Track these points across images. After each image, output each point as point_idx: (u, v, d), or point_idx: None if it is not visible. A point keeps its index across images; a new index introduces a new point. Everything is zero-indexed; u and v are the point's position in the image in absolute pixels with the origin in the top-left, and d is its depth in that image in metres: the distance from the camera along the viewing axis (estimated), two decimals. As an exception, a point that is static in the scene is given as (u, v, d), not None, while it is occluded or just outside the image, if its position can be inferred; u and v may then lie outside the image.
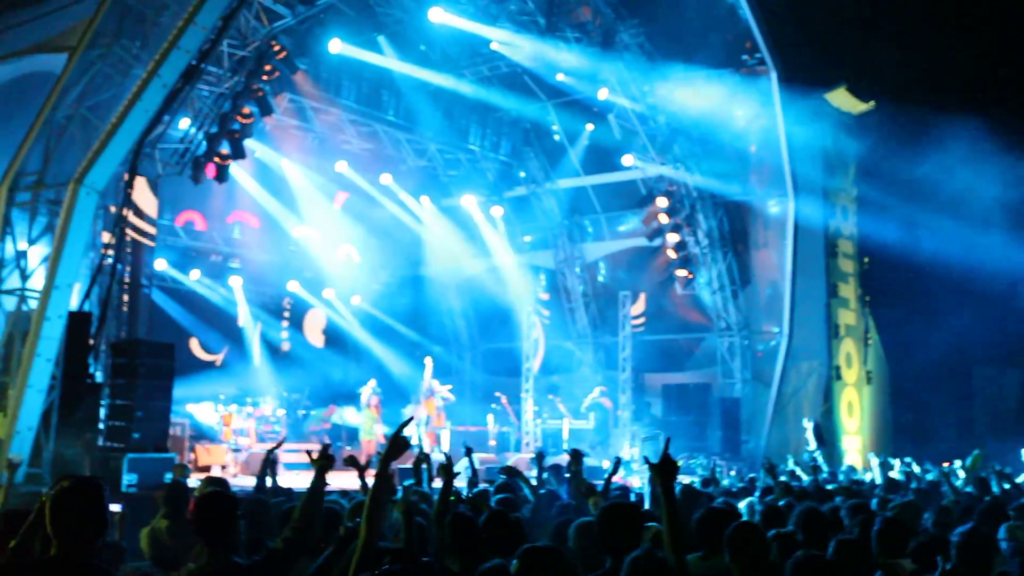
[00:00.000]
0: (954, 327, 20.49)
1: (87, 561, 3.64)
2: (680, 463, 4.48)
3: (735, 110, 20.86)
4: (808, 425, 16.38)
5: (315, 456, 4.89)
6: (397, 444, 4.47)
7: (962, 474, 11.66)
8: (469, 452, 8.54)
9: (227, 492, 5.02)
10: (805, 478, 10.68)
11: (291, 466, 15.63)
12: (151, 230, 15.82)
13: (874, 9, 19.66)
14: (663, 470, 4.23)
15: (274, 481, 8.15)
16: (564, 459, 9.36)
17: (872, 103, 21.37)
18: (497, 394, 21.84)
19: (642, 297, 22.99)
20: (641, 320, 22.86)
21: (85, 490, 3.73)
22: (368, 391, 18.67)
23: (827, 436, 19.47)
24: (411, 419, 5.27)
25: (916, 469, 12.36)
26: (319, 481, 4.74)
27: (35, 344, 10.87)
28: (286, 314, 23.38)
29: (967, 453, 14.70)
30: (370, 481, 4.68)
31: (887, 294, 22.07)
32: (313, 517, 4.55)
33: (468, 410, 21.75)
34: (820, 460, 12.38)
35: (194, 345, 21.09)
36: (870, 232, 22.02)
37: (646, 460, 4.74)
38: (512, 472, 7.80)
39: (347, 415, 20.54)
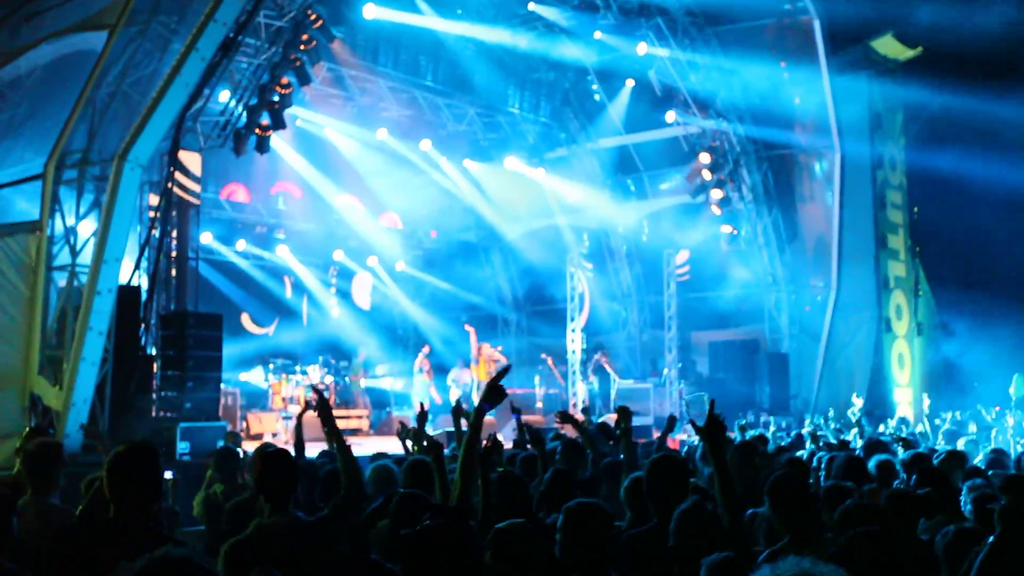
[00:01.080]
0: (1008, 275, 20.12)
1: (144, 523, 3.75)
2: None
3: (778, 61, 20.53)
4: (858, 401, 16.10)
5: (312, 402, 4.92)
6: (493, 391, 4.53)
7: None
8: (517, 412, 8.49)
9: (287, 455, 5.11)
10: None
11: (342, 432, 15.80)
12: (196, 203, 15.98)
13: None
14: (710, 432, 4.19)
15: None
16: (612, 417, 9.39)
17: (919, 49, 20.84)
18: (543, 355, 21.90)
19: (685, 254, 22.83)
20: (686, 269, 22.72)
21: (140, 455, 3.84)
22: (422, 357, 18.95)
23: (880, 401, 19.29)
24: (508, 367, 5.34)
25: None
26: (333, 434, 4.75)
27: (87, 318, 11.08)
28: (333, 281, 23.58)
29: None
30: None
31: (938, 244, 21.67)
32: (356, 474, 4.60)
33: (515, 372, 21.82)
34: (864, 422, 12.24)
35: (245, 318, 21.42)
36: (920, 181, 21.60)
37: (692, 423, 4.72)
38: (566, 417, 7.71)
39: (395, 383, 20.82)
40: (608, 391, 20.54)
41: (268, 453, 4.60)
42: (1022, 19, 18.25)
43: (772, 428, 15.87)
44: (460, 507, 4.40)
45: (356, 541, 4.43)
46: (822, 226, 20.72)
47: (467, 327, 20.06)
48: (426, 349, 19.60)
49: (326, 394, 18.79)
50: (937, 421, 14.12)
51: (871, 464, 6.68)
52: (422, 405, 6.69)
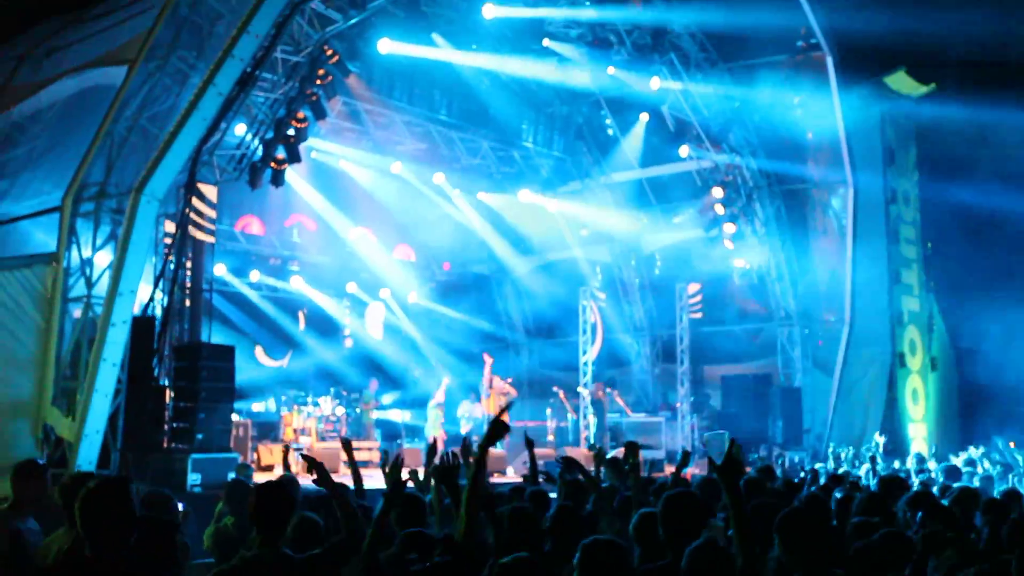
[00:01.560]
0: (1022, 311, 20.01)
1: (118, 559, 3.71)
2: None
3: (791, 97, 20.63)
4: (880, 440, 15.98)
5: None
6: (497, 428, 4.54)
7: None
8: (530, 445, 8.47)
9: (286, 486, 5.10)
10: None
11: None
12: (211, 237, 16.12)
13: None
14: (727, 471, 4.17)
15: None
16: (621, 452, 9.36)
17: (933, 85, 20.92)
18: (555, 388, 21.88)
19: (697, 287, 22.84)
20: (698, 300, 22.69)
21: (110, 489, 3.82)
22: (440, 392, 18.94)
23: (894, 436, 19.16)
24: (511, 404, 5.37)
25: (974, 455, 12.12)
26: (394, 495, 4.71)
27: (101, 349, 11.17)
28: (347, 312, 23.67)
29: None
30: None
31: (951, 279, 21.60)
32: (355, 521, 4.58)
33: (526, 405, 21.83)
34: (879, 455, 12.16)
35: (258, 350, 21.52)
36: (933, 216, 21.59)
37: (710, 460, 4.71)
38: (570, 463, 7.74)
39: (404, 415, 20.81)
40: (601, 424, 20.43)
41: (262, 485, 4.56)
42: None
43: (786, 463, 15.79)
44: (467, 544, 4.39)
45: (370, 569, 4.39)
46: (835, 260, 20.70)
47: (485, 356, 20.01)
48: (446, 382, 19.57)
49: (337, 425, 18.93)
50: (955, 459, 14.01)
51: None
52: (435, 439, 6.73)
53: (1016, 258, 20.04)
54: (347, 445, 6.72)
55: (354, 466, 7.11)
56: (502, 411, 4.58)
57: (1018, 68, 18.50)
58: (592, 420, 20.26)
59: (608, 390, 21.86)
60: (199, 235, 15.48)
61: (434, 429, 18.35)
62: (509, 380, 20.26)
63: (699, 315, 22.55)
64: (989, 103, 18.31)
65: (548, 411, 21.33)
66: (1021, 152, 18.68)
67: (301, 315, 22.55)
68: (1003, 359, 19.75)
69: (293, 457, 16.43)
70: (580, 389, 21.05)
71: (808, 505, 6.14)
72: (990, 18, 17.60)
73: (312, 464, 4.69)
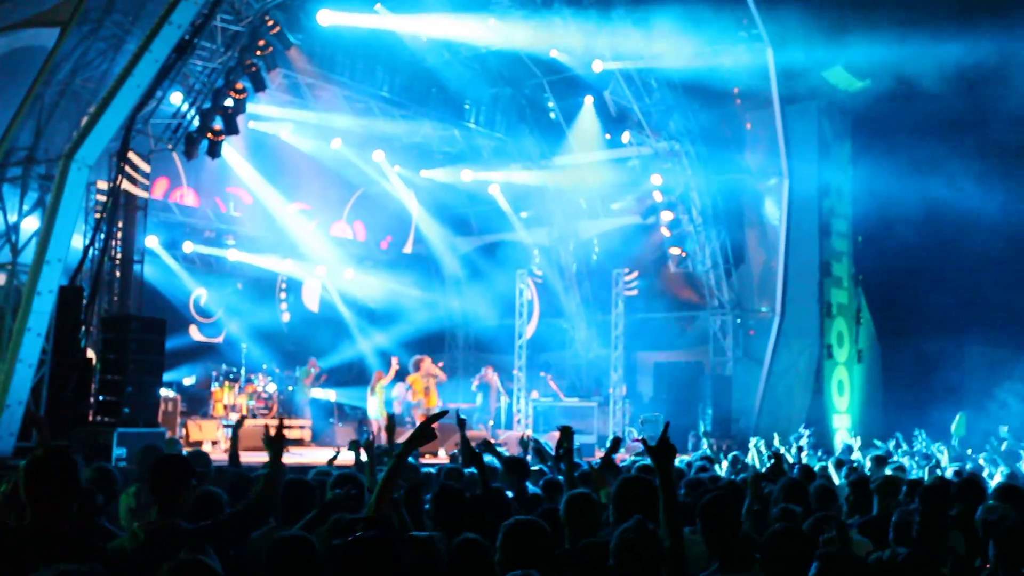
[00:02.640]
0: (946, 304, 20.55)
1: (62, 529, 3.71)
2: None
3: (731, 88, 20.86)
4: (805, 432, 16.19)
5: (272, 433, 4.99)
6: (424, 434, 4.57)
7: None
8: (462, 425, 8.48)
9: (182, 457, 5.15)
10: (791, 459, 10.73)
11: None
12: (143, 206, 15.78)
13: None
14: (660, 454, 4.22)
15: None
16: (553, 436, 9.39)
17: (868, 81, 21.31)
18: (488, 369, 21.90)
19: (634, 274, 23.01)
20: (634, 278, 22.81)
21: (56, 460, 3.82)
22: (393, 372, 18.56)
23: (819, 426, 19.57)
24: (445, 412, 5.42)
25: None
26: (276, 469, 4.83)
27: (26, 319, 10.88)
28: (283, 285, 23.40)
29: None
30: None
31: (880, 272, 22.10)
32: (272, 495, 4.63)
33: (459, 387, 21.83)
34: (806, 446, 12.42)
35: (193, 326, 21.20)
36: (864, 210, 22.04)
37: (643, 441, 4.76)
38: (487, 447, 7.75)
39: (329, 394, 20.62)
40: (487, 406, 20.48)
41: (159, 458, 4.61)
42: (970, 53, 18.75)
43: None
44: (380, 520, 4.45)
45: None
46: (769, 251, 21.05)
47: (393, 360, 19.44)
48: (395, 362, 19.09)
49: (269, 402, 18.73)
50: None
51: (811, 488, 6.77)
52: (391, 416, 6.72)
53: (947, 254, 20.55)
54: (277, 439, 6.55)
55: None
56: (432, 419, 4.60)
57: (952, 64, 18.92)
58: (479, 401, 20.31)
59: (542, 374, 21.98)
60: (130, 203, 15.16)
61: (378, 409, 18.03)
62: (440, 364, 20.15)
63: (635, 292, 22.65)
64: (924, 99, 18.72)
65: (502, 394, 21.35)
66: (955, 147, 19.12)
67: (236, 287, 22.18)
68: (927, 353, 20.28)
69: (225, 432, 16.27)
70: (515, 372, 21.12)
71: (726, 492, 6.25)
72: (925, 16, 17.98)
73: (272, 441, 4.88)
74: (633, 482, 4.82)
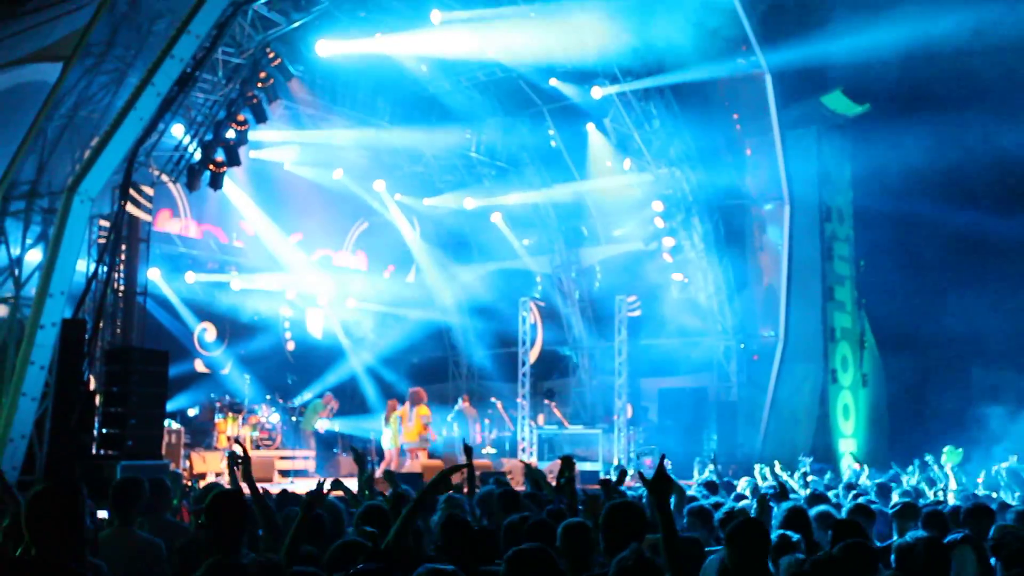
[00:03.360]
0: (951, 328, 20.53)
1: (63, 563, 3.69)
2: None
3: (731, 114, 20.95)
4: (806, 459, 16.05)
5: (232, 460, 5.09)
6: (442, 482, 4.61)
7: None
8: (468, 453, 8.47)
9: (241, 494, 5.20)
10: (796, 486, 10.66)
11: (287, 473, 15.72)
12: (146, 238, 15.81)
13: (868, 17, 19.68)
14: (657, 487, 4.21)
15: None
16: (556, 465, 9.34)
17: (867, 105, 21.41)
18: (493, 399, 21.86)
19: (637, 300, 23.00)
20: (636, 304, 22.75)
21: (60, 494, 3.82)
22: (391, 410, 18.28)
23: (825, 451, 19.48)
24: (469, 464, 5.46)
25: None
26: (252, 492, 4.91)
27: (29, 352, 10.86)
28: (287, 315, 23.40)
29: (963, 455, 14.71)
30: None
31: (883, 297, 22.09)
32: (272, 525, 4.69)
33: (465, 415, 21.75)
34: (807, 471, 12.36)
35: (196, 359, 21.18)
36: (866, 234, 22.07)
37: (640, 476, 4.76)
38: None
39: (334, 425, 20.54)
40: (466, 436, 20.08)
41: (221, 492, 4.66)
42: (970, 76, 18.87)
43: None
44: (394, 551, 4.44)
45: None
46: (772, 276, 21.05)
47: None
48: (392, 404, 18.79)
49: (273, 433, 18.68)
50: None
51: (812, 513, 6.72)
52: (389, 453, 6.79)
53: (948, 276, 20.55)
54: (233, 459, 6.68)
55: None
56: (454, 469, 4.67)
57: (949, 89, 19.02)
58: (456, 431, 20.02)
59: (546, 402, 21.91)
60: (136, 230, 15.20)
61: (391, 440, 17.67)
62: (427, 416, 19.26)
63: (637, 314, 22.59)
64: (922, 123, 18.80)
65: (486, 421, 21.29)
66: (954, 170, 19.16)
67: (239, 318, 22.17)
68: (932, 377, 20.23)
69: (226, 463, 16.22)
70: (518, 400, 21.06)
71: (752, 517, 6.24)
72: (923, 41, 18.07)
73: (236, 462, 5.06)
74: (621, 509, 4.79)
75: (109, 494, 5.99)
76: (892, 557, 5.32)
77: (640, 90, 19.99)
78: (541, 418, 21.23)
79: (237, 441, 5.75)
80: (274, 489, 8.13)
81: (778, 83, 19.37)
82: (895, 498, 8.85)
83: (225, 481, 14.28)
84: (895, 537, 6.49)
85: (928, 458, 14.06)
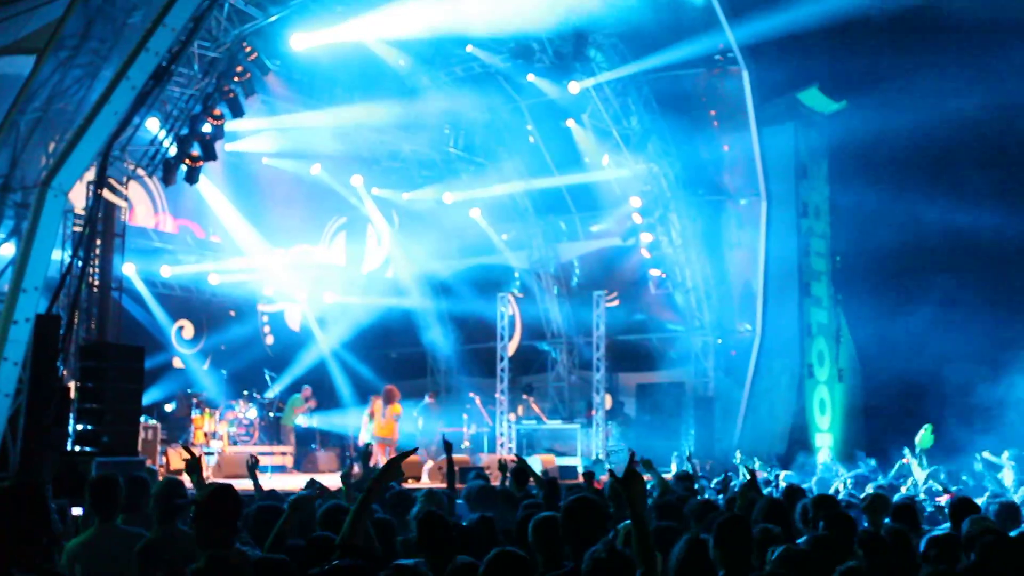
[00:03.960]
0: (925, 324, 20.68)
1: (31, 561, 3.66)
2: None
3: (708, 110, 21.03)
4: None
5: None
6: (391, 471, 4.60)
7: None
8: (448, 448, 8.58)
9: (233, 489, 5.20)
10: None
11: (264, 468, 15.64)
12: (121, 231, 15.69)
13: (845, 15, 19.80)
14: (629, 483, 4.25)
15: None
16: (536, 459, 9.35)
17: (844, 102, 21.56)
18: (471, 395, 21.87)
19: (615, 295, 23.06)
20: (615, 305, 22.76)
21: (24, 492, 3.78)
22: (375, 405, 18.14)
23: (802, 445, 19.64)
24: (415, 449, 5.45)
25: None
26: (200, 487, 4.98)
27: (2, 348, 10.75)
28: (265, 309, 23.31)
29: (935, 451, 14.88)
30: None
31: (859, 292, 22.25)
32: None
33: (443, 411, 21.75)
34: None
35: (172, 354, 21.06)
36: (842, 230, 22.23)
37: (611, 472, 4.80)
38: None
39: (312, 420, 20.42)
40: (432, 432, 19.86)
41: (217, 488, 4.71)
42: (945, 76, 19.02)
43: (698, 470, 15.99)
44: (361, 547, 4.46)
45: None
46: (749, 271, 21.15)
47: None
48: (376, 400, 18.72)
49: (250, 429, 18.60)
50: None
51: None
52: (368, 445, 6.79)
53: (924, 272, 20.71)
54: (252, 468, 6.89)
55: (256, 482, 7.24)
56: (400, 457, 4.64)
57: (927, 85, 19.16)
58: (421, 426, 19.76)
59: (524, 397, 21.94)
60: (110, 225, 15.09)
61: (368, 435, 17.64)
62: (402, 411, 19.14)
63: (615, 303, 22.61)
64: (899, 119, 18.95)
65: (464, 416, 21.29)
66: (931, 167, 19.33)
67: (217, 312, 22.07)
68: (909, 370, 20.36)
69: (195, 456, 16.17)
70: (497, 395, 21.08)
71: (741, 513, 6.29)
72: (898, 39, 18.24)
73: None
74: (579, 504, 4.81)
75: (86, 492, 5.94)
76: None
77: (618, 86, 20.03)
78: (519, 411, 21.27)
79: (184, 446, 5.97)
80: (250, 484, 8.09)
81: (755, 79, 19.44)
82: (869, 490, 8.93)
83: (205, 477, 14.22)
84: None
85: (905, 451, 14.22)
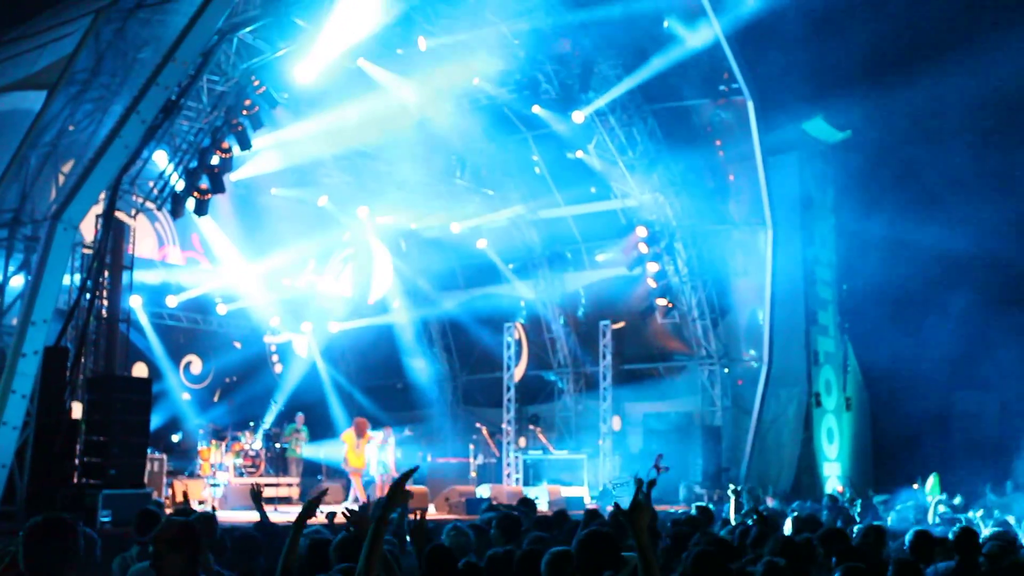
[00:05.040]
0: (933, 352, 20.65)
1: None
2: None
3: (714, 140, 21.12)
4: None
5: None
6: (397, 495, 4.57)
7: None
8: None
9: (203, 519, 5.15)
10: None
11: (270, 500, 15.63)
12: (129, 263, 15.78)
13: (848, 46, 19.94)
14: (633, 515, 4.26)
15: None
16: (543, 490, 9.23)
17: (848, 132, 21.65)
18: (478, 425, 21.83)
19: (621, 325, 23.02)
20: (621, 332, 22.70)
21: (56, 526, 3.80)
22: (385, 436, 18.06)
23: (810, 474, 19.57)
24: (415, 468, 5.44)
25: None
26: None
27: (11, 380, 10.82)
28: (273, 340, 23.35)
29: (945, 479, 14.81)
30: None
31: (865, 321, 22.23)
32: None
33: (450, 442, 21.75)
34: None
35: (179, 381, 21.10)
36: (848, 259, 22.24)
37: (616, 506, 4.81)
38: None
39: (319, 451, 20.35)
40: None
41: (184, 521, 4.65)
42: (947, 100, 19.11)
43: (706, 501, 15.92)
44: None
45: None
46: (755, 300, 21.12)
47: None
48: (387, 431, 18.65)
49: (256, 460, 18.55)
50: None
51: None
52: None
53: (931, 299, 20.69)
54: (256, 496, 6.89)
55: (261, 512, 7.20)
56: (404, 477, 4.63)
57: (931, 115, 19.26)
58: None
59: (531, 427, 21.88)
60: (119, 258, 15.18)
61: (376, 468, 17.54)
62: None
63: (621, 324, 22.56)
64: (903, 149, 19.03)
65: (471, 447, 21.23)
66: (936, 196, 19.38)
67: (224, 343, 22.13)
68: (915, 401, 20.32)
69: (209, 493, 16.14)
70: (503, 425, 21.02)
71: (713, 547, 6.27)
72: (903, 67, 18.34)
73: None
74: (593, 538, 4.82)
75: (136, 525, 5.84)
76: None
77: (623, 117, 20.16)
78: (525, 441, 21.20)
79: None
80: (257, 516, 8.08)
81: (759, 110, 19.53)
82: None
83: (209, 508, 14.20)
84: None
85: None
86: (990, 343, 20.67)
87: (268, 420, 20.52)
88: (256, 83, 15.73)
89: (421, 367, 25.36)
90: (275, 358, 23.43)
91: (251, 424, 19.28)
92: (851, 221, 21.94)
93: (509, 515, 7.27)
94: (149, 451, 14.22)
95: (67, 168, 12.92)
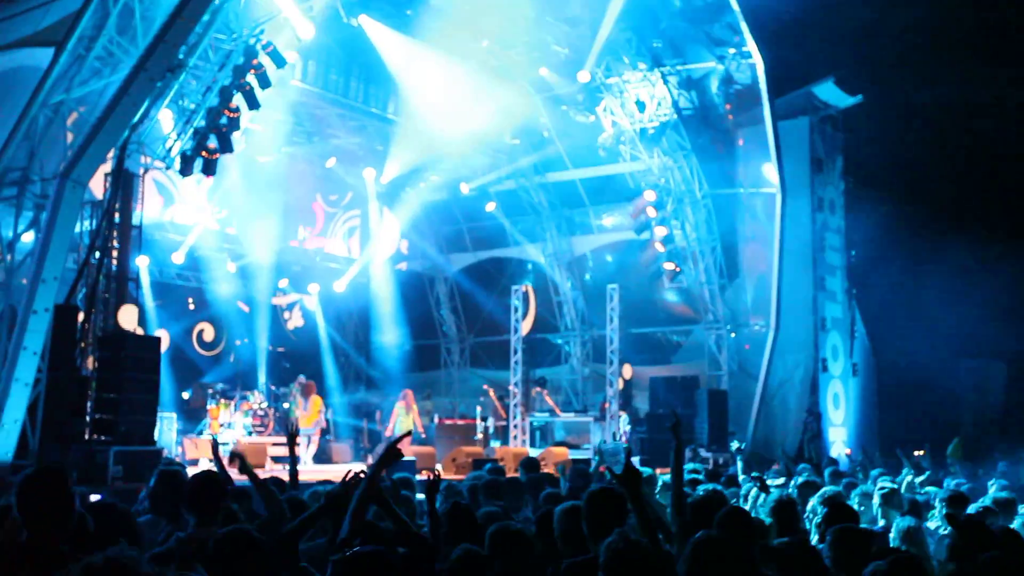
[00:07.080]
0: (940, 319, 20.65)
1: (57, 547, 3.72)
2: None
3: (723, 104, 20.98)
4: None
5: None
6: (391, 454, 4.64)
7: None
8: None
9: (218, 474, 5.28)
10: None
11: (278, 459, 15.82)
12: (139, 223, 15.79)
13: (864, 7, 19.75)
14: (627, 481, 4.36)
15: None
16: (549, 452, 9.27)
17: (859, 96, 21.47)
18: (485, 387, 21.92)
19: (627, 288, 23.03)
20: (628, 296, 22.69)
21: (49, 478, 3.84)
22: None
23: (815, 439, 19.61)
24: (408, 433, 5.51)
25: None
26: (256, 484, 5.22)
27: (22, 337, 10.89)
28: (282, 301, 23.42)
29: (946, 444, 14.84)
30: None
31: (874, 287, 22.22)
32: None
33: (458, 403, 21.85)
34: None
35: (193, 339, 21.23)
36: (857, 225, 22.15)
37: (609, 470, 4.88)
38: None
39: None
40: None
41: (203, 473, 4.94)
42: (961, 69, 18.95)
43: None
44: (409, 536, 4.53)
45: (286, 548, 4.48)
46: (763, 266, 21.07)
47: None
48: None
49: (265, 419, 18.71)
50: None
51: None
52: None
53: (938, 266, 20.67)
54: (291, 438, 6.95)
55: (293, 458, 7.21)
56: (398, 439, 4.69)
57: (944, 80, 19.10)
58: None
59: (538, 389, 21.95)
60: (128, 216, 15.18)
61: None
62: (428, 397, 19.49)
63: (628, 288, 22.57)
64: (914, 114, 18.90)
65: (478, 409, 21.35)
66: (948, 164, 19.27)
67: (241, 305, 22.20)
68: (921, 367, 20.33)
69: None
70: (511, 388, 21.11)
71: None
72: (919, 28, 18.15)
73: (237, 458, 5.05)
74: (601, 495, 4.86)
75: (185, 493, 5.63)
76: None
77: (632, 80, 20.01)
78: (532, 404, 21.29)
79: (234, 454, 6.17)
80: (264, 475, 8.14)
81: (770, 73, 19.37)
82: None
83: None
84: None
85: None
86: (996, 312, 20.61)
87: (262, 379, 20.65)
88: (264, 42, 15.64)
89: (428, 329, 25.44)
90: (287, 315, 23.53)
91: (261, 383, 19.41)
92: (861, 187, 21.84)
93: (496, 480, 7.37)
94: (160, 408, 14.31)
95: (75, 126, 12.90)
